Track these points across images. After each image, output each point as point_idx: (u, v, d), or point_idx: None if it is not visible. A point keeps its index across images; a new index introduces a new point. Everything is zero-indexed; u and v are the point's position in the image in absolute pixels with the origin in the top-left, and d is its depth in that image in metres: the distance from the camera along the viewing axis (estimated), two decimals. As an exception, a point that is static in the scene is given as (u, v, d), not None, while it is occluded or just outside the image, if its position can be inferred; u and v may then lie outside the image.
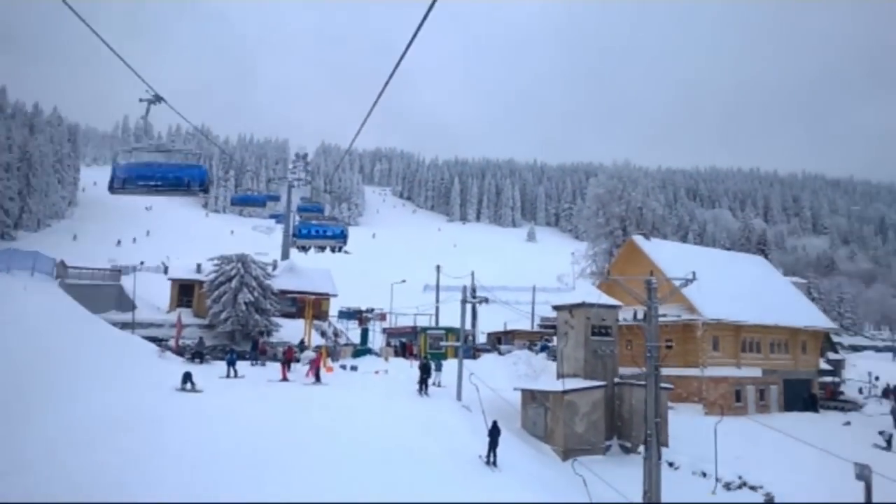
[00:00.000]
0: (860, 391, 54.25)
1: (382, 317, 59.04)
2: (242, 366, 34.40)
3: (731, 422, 39.67)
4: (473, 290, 40.15)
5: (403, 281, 72.07)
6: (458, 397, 31.46)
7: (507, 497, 22.89)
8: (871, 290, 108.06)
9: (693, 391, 41.36)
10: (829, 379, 52.26)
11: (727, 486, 28.06)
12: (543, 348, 46.17)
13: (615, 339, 33.51)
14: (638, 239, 46.41)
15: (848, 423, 42.80)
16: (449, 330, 44.06)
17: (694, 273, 25.86)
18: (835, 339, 66.25)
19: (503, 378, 39.60)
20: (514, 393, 33.55)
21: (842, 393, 51.35)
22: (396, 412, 28.88)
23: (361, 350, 42.88)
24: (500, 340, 55.71)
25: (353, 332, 51.54)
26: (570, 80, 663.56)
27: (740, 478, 28.65)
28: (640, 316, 25.97)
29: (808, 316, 50.13)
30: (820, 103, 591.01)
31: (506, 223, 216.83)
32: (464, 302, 32.10)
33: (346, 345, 43.98)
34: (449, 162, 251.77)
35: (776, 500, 27.97)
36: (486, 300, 32.65)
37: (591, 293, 33.53)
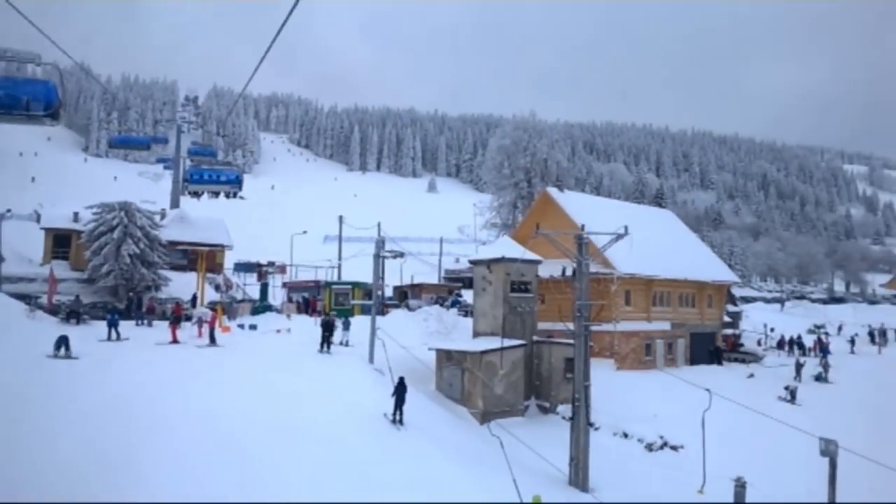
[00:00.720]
0: (759, 343, 55.66)
1: (282, 269, 55.70)
2: (126, 326, 30.83)
3: (643, 376, 39.53)
4: (383, 243, 37.63)
5: (304, 232, 68.54)
6: (371, 359, 29.15)
7: (414, 457, 21.20)
8: (758, 244, 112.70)
9: (605, 346, 40.66)
10: (729, 331, 53.17)
11: (649, 448, 27.29)
12: (454, 303, 44.48)
13: (535, 295, 32.00)
14: (552, 191, 44.97)
15: (752, 376, 43.37)
16: (356, 285, 41.49)
17: (626, 227, 24.42)
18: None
19: (414, 335, 37.62)
20: (428, 352, 31.63)
21: (742, 345, 52.34)
22: (299, 374, 26.46)
23: (261, 307, 39.68)
24: (408, 295, 53.62)
25: (251, 288, 48.04)
26: (472, 32, 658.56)
27: (661, 437, 27.93)
28: (568, 272, 24.42)
29: (715, 269, 50.51)
30: (709, 63, 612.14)
31: (406, 173, 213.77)
32: (377, 257, 29.56)
33: (244, 301, 40.70)
34: (348, 110, 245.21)
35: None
36: (402, 255, 30.24)
37: (510, 247, 31.71)
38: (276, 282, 47.09)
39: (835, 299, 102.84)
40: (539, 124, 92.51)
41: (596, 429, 28.91)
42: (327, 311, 39.32)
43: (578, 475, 22.54)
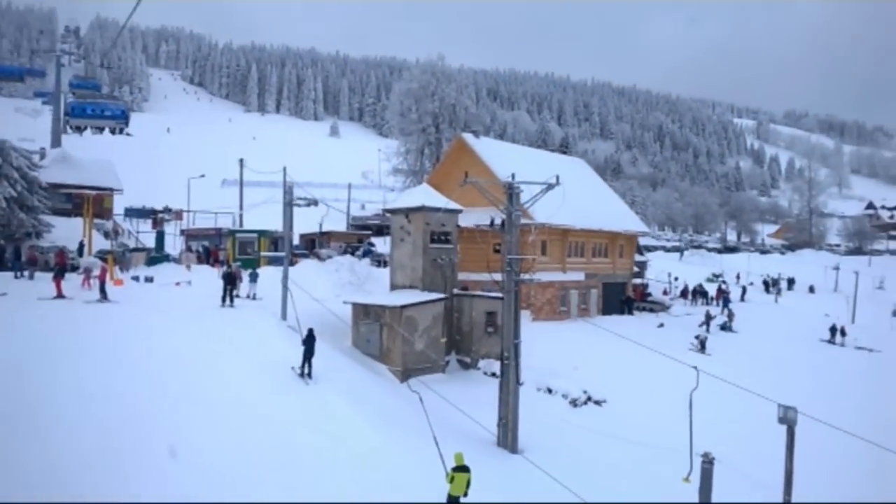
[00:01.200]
0: (665, 292, 56.64)
1: (178, 216, 52.03)
2: (3, 279, 27.46)
3: (560, 327, 39.16)
4: (291, 189, 35.11)
5: (202, 176, 64.34)
6: (283, 315, 27.07)
7: (332, 418, 19.73)
8: (657, 194, 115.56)
9: (521, 297, 39.89)
10: (637, 281, 53.75)
11: (573, 403, 26.64)
12: (366, 253, 42.57)
13: (455, 246, 30.57)
14: (467, 137, 43.30)
15: (661, 326, 43.84)
16: (262, 234, 38.76)
17: (557, 177, 23.15)
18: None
19: (326, 287, 35.67)
20: (344, 306, 29.83)
21: (650, 294, 53.05)
22: (204, 333, 24.13)
23: (157, 257, 36.43)
24: (315, 244, 51.20)
25: (145, 237, 44.27)
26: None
27: (585, 392, 27.36)
28: (497, 221, 23.05)
29: (627, 220, 50.58)
30: (608, 14, 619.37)
31: (308, 116, 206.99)
32: (288, 204, 27.22)
33: (138, 251, 37.33)
34: (245, 48, 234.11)
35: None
36: (316, 202, 27.99)
37: (430, 196, 30.01)
38: (172, 230, 43.60)
39: (728, 248, 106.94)
40: (447, 69, 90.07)
41: (520, 384, 28.17)
42: (230, 261, 36.69)
43: (507, 436, 21.51)
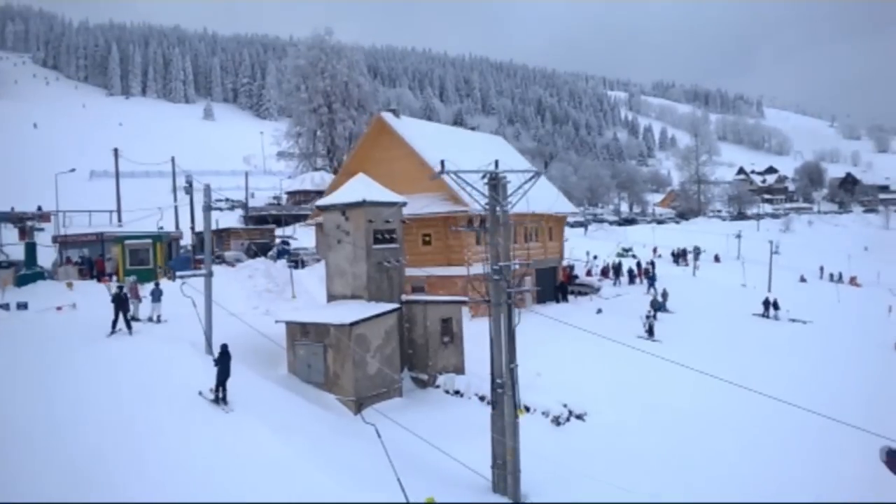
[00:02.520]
0: (589, 273, 54.42)
1: (45, 217, 44.79)
2: None
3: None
4: (190, 184, 29.71)
5: (73, 170, 56.32)
6: (209, 348, 21.99)
7: (273, 466, 15.90)
8: (552, 168, 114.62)
9: (458, 292, 36.19)
10: (563, 263, 51.19)
11: (556, 421, 23.19)
12: (282, 253, 37.50)
13: (401, 245, 26.32)
14: (387, 116, 38.82)
15: (600, 311, 41.28)
16: (157, 238, 32.77)
17: (546, 164, 19.30)
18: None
19: (240, 298, 30.63)
20: (268, 322, 25.08)
21: (576, 277, 50.58)
22: (94, 363, 19.38)
23: (29, 275, 29.84)
24: (214, 242, 45.28)
25: (12, 250, 36.83)
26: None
27: (565, 406, 24.00)
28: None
29: (554, 199, 47.65)
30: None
31: (178, 99, 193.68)
32: (208, 208, 22.02)
33: (3, 267, 30.65)
34: (103, 26, 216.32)
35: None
36: (245, 206, 22.91)
37: (368, 187, 25.54)
38: (46, 240, 36.57)
39: (627, 220, 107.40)
40: (336, 44, 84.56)
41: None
42: (121, 274, 30.88)
43: (506, 481, 17.73)
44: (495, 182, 18.40)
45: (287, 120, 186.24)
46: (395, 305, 23.97)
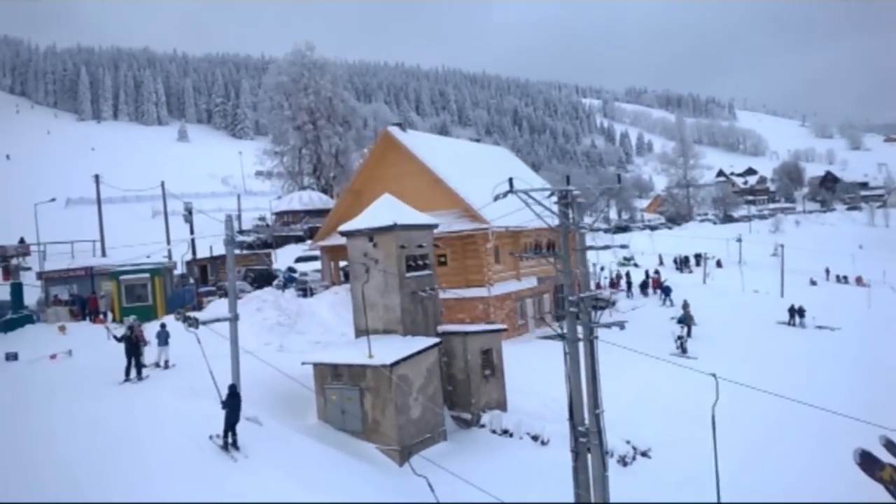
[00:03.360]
0: (598, 285, 52.26)
1: (24, 251, 41.85)
2: None
3: (528, 347, 33.45)
4: (189, 212, 27.05)
5: (53, 199, 53.16)
6: (228, 397, 19.34)
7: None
8: (540, 175, 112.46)
9: (479, 315, 33.92)
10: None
11: (622, 461, 20.81)
12: (289, 281, 34.85)
13: (434, 271, 23.91)
14: (394, 131, 36.45)
15: (623, 327, 38.98)
16: (155, 272, 29.89)
17: (620, 178, 17.16)
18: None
19: (251, 333, 28.03)
20: (295, 364, 22.47)
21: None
22: (99, 415, 16.97)
23: (16, 319, 26.91)
24: (207, 271, 42.52)
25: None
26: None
27: (628, 443, 21.65)
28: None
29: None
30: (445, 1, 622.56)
31: (150, 121, 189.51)
32: (231, 242, 19.39)
33: (-17, 311, 27.80)
34: (71, 50, 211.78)
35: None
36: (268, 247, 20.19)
37: (396, 208, 23.11)
38: (32, 279, 33.46)
39: (620, 228, 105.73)
40: (319, 59, 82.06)
41: (543, 443, 22.00)
42: (117, 313, 28.11)
43: (596, 544, 15.30)
44: (567, 200, 16.00)
45: (264, 138, 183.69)
46: (435, 339, 21.51)
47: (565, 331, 16.11)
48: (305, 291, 33.66)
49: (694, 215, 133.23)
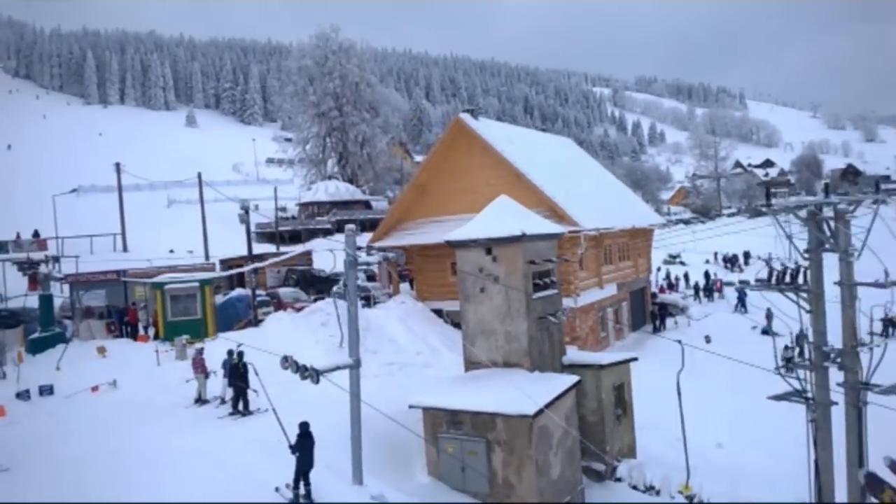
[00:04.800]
0: (661, 289, 48.20)
1: (42, 244, 37.69)
2: None
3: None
4: (246, 210, 22.90)
5: (74, 190, 48.98)
6: (356, 473, 15.36)
7: None
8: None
9: (565, 328, 29.82)
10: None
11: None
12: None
13: (560, 290, 19.80)
14: (465, 118, 32.19)
15: (709, 339, 35.11)
16: (206, 282, 25.60)
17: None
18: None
19: (318, 355, 23.79)
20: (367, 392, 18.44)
21: (655, 294, 44.37)
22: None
23: (46, 337, 22.76)
24: (244, 275, 38.24)
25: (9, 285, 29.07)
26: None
27: None
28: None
29: (641, 209, 41.54)
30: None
31: (158, 106, 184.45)
32: (353, 264, 15.22)
33: (4, 322, 23.56)
34: (76, 33, 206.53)
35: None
36: (393, 255, 16.26)
37: (518, 213, 18.93)
38: (60, 289, 28.99)
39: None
40: (345, 41, 77.60)
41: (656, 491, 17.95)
42: (161, 328, 24.00)
43: None
44: (820, 216, 11.92)
45: (273, 125, 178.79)
46: (573, 378, 17.43)
47: (809, 389, 12.01)
48: (368, 300, 29.55)
49: (721, 209, 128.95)
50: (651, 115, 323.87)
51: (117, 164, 45.14)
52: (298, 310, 26.97)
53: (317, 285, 37.16)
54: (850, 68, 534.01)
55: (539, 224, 18.78)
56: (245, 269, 25.74)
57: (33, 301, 25.76)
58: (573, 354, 19.85)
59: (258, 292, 28.87)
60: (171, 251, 50.32)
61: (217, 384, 19.13)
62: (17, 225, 48.90)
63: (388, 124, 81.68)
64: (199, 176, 37.57)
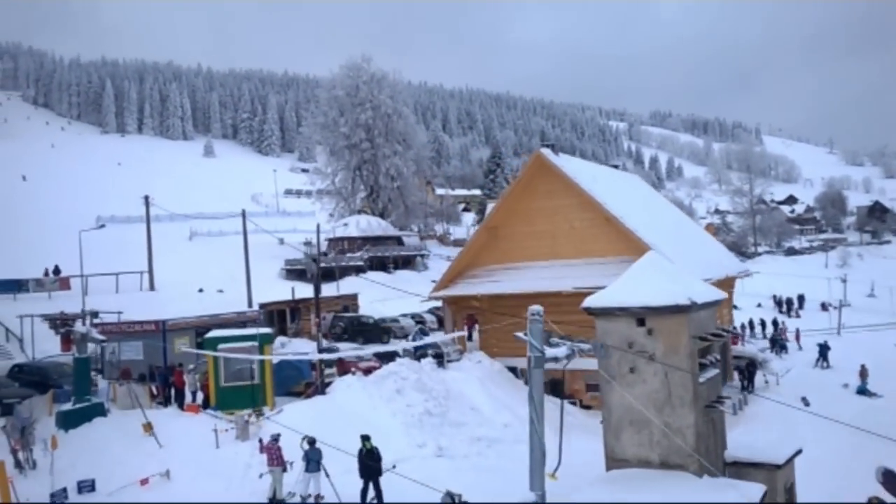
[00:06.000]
0: (734, 338, 44.35)
1: (64, 283, 34.36)
2: None
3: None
4: (315, 260, 19.18)
5: (103, 226, 45.77)
6: None
7: None
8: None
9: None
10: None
11: None
12: (422, 340, 27.08)
13: (723, 369, 16.17)
14: (546, 152, 28.87)
15: (807, 402, 31.22)
16: (265, 338, 21.90)
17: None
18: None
19: (395, 429, 20.18)
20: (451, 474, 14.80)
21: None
22: None
23: (83, 410, 18.98)
24: (287, 319, 34.80)
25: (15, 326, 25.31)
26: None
27: None
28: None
29: (722, 255, 37.95)
30: (470, 20, 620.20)
31: (176, 136, 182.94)
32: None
33: (32, 386, 19.86)
34: (95, 63, 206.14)
35: None
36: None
37: (676, 276, 15.33)
38: (98, 349, 25.46)
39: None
40: (378, 72, 75.07)
41: None
42: (211, 394, 20.41)
43: None
44: None
45: (290, 155, 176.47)
46: (760, 489, 13.69)
47: None
48: (440, 359, 25.92)
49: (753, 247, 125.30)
50: (667, 150, 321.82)
51: (146, 197, 42.14)
52: (367, 372, 23.38)
53: (365, 333, 33.70)
54: (865, 102, 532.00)
55: (703, 290, 15.20)
56: (317, 318, 22.16)
57: (55, 346, 22.29)
58: (739, 453, 16.10)
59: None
60: (201, 290, 46.97)
61: (293, 477, 15.56)
62: (38, 258, 45.81)
63: (419, 157, 78.72)
64: (244, 213, 34.33)
